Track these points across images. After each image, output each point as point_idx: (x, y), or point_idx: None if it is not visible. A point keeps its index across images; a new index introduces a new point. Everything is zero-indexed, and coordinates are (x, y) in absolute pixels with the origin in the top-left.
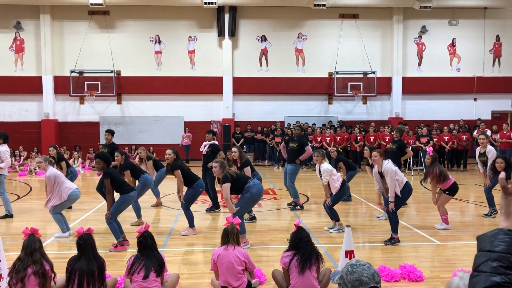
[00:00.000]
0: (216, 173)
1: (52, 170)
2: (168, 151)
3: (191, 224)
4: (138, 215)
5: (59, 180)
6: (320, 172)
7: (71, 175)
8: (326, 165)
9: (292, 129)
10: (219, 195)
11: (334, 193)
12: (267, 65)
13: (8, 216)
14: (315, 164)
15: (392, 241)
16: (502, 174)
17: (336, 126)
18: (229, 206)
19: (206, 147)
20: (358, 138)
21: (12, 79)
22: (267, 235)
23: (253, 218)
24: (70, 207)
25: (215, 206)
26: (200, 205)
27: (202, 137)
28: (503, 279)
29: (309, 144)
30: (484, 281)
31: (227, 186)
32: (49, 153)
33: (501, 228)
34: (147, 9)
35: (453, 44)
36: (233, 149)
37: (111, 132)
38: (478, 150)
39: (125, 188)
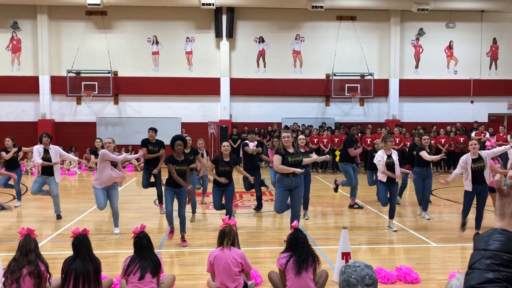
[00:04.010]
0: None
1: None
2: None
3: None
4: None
5: None
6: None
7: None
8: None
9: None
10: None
11: None
12: (265, 67)
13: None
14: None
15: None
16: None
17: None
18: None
19: (254, 145)
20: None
21: (9, 79)
22: (263, 236)
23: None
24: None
25: (258, 206)
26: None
27: (199, 138)
28: (495, 275)
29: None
30: (478, 278)
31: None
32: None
33: (496, 228)
34: (145, 10)
35: (450, 47)
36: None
37: (154, 130)
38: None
39: None
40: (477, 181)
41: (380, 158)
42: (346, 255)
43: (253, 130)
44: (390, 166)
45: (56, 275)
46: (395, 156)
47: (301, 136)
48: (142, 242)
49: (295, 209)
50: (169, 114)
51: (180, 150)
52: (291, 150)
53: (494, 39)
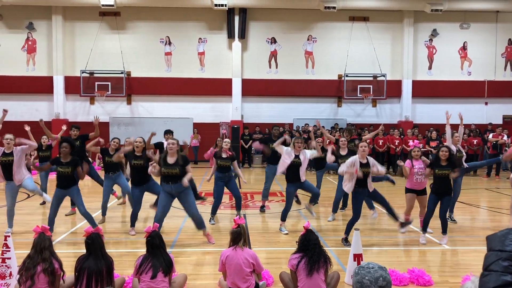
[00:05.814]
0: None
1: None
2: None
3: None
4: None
5: None
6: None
7: None
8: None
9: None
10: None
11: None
12: (277, 67)
13: None
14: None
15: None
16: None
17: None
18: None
19: None
20: (367, 141)
21: (24, 79)
22: (275, 237)
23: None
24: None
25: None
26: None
27: (210, 138)
28: None
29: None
30: (495, 280)
31: None
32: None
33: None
34: (158, 11)
35: (464, 48)
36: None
37: (77, 128)
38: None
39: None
40: (362, 185)
41: (288, 153)
42: (358, 257)
43: (169, 130)
44: (295, 166)
45: (69, 273)
46: (302, 157)
47: (226, 140)
48: (154, 241)
49: (192, 213)
50: (181, 115)
51: (65, 152)
52: (170, 160)
53: (510, 39)
